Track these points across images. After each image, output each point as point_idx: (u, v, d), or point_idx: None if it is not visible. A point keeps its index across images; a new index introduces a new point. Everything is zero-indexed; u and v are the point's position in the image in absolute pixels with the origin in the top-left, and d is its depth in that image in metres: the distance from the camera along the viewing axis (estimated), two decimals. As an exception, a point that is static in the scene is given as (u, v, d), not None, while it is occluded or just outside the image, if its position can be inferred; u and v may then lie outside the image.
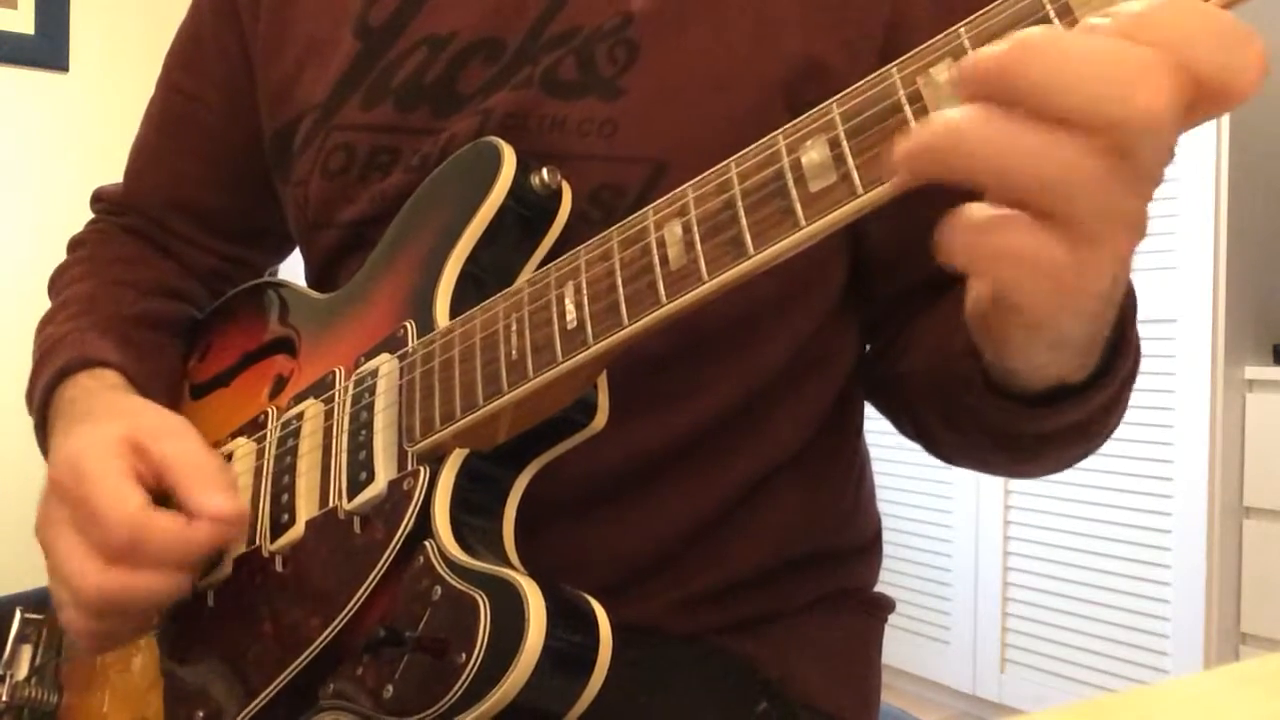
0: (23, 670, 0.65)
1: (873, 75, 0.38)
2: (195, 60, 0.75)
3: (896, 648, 2.45)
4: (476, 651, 0.42)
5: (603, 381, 0.52)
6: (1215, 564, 1.88)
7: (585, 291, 0.46)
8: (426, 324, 0.55)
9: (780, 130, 0.41)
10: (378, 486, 0.51)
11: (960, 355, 0.49)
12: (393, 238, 0.61)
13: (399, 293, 0.58)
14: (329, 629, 0.49)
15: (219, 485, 0.53)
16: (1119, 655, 2.04)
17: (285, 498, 0.55)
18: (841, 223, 0.38)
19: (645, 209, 0.46)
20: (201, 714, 0.54)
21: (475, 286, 0.55)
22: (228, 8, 0.72)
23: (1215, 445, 1.87)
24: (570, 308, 0.47)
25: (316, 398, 0.58)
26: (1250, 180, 1.89)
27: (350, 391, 0.56)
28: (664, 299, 0.43)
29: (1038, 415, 0.48)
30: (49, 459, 0.58)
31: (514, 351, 0.48)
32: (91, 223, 0.81)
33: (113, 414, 0.58)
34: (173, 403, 0.68)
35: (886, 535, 0.73)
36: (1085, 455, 0.55)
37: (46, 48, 2.38)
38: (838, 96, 0.39)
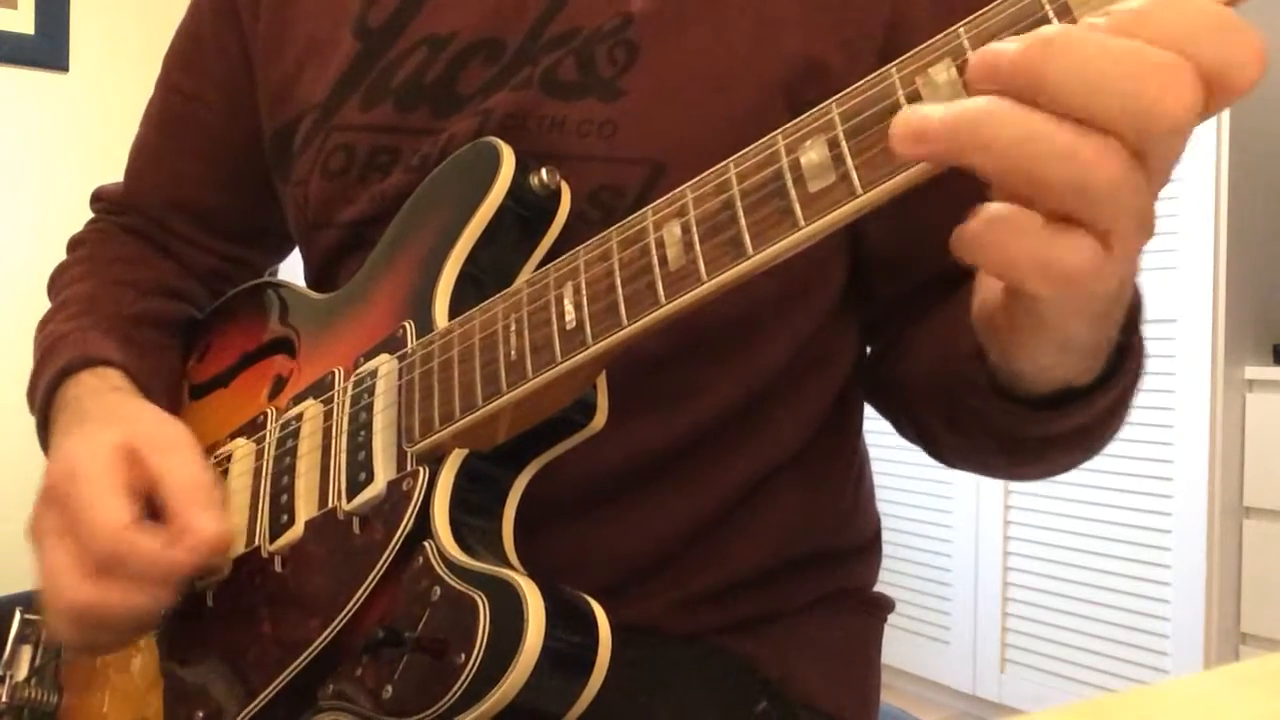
0: (23, 670, 0.65)
1: (872, 75, 0.38)
2: (195, 60, 0.75)
3: (896, 648, 2.45)
4: (476, 652, 0.42)
5: (602, 382, 0.52)
6: (1215, 564, 1.88)
7: (584, 292, 0.46)
8: (425, 324, 0.55)
9: (779, 130, 0.41)
10: (377, 487, 0.51)
11: (966, 357, 0.49)
12: (392, 238, 0.61)
13: (398, 293, 0.58)
14: (328, 629, 0.49)
15: (207, 506, 0.52)
16: (1119, 655, 2.04)
17: (284, 498, 0.55)
18: (840, 223, 0.38)
19: (644, 209, 0.46)
20: (201, 714, 0.54)
21: (474, 287, 0.55)
22: (227, 7, 0.72)
23: (1215, 445, 1.87)
24: (569, 308, 0.47)
25: (316, 398, 0.58)
26: (1250, 180, 1.89)
27: (349, 392, 0.56)
28: (663, 299, 0.43)
29: (1044, 418, 0.48)
30: (49, 459, 0.58)
31: (513, 352, 0.48)
32: (91, 222, 0.81)
33: (112, 419, 0.58)
34: (173, 402, 0.68)
35: (886, 535, 0.73)
36: (1088, 458, 0.55)
37: (46, 48, 2.38)
38: (837, 97, 0.39)
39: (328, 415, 0.57)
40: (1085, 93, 0.30)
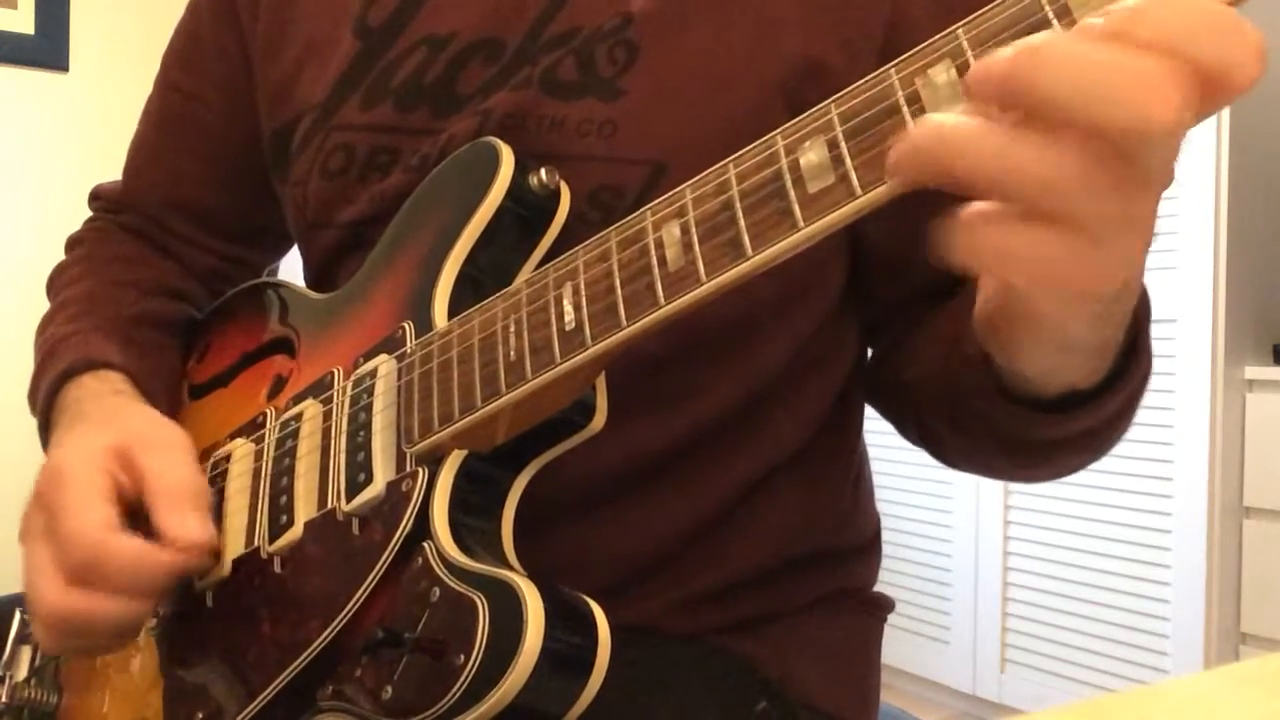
0: (22, 671, 0.65)
1: (871, 76, 0.38)
2: (194, 59, 0.75)
3: (896, 648, 2.45)
4: (475, 653, 0.42)
5: (601, 382, 0.52)
6: (1215, 564, 1.88)
7: (583, 292, 0.46)
8: (425, 325, 0.55)
9: (779, 131, 0.41)
10: (376, 488, 0.51)
11: (969, 359, 0.49)
12: (391, 238, 0.61)
13: (397, 293, 0.58)
14: (328, 630, 0.49)
15: (192, 509, 0.52)
16: (1119, 655, 2.04)
17: (284, 499, 0.55)
18: (840, 224, 0.38)
19: (643, 209, 0.45)
20: (201, 715, 0.54)
21: (473, 287, 0.55)
22: (227, 7, 0.72)
23: (1215, 445, 1.87)
24: (568, 309, 0.46)
25: (315, 398, 0.58)
26: (1250, 180, 1.89)
27: (349, 392, 0.56)
28: (662, 300, 0.43)
29: (1049, 421, 0.48)
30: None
31: (512, 353, 0.48)
32: (89, 221, 0.81)
33: (108, 421, 0.58)
34: (173, 403, 0.68)
35: (886, 535, 0.73)
36: (1092, 461, 0.55)
37: (46, 48, 2.38)
38: (835, 97, 0.39)
39: (327, 415, 0.57)
40: (1070, 101, 0.30)
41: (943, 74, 0.36)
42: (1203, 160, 1.87)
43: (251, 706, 0.52)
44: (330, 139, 0.64)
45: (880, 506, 0.73)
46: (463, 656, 0.43)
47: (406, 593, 0.47)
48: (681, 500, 0.61)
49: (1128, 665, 2.02)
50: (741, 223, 0.41)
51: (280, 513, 0.55)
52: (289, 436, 0.58)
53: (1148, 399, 0.50)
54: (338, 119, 0.64)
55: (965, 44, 0.36)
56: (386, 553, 0.49)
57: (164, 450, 0.54)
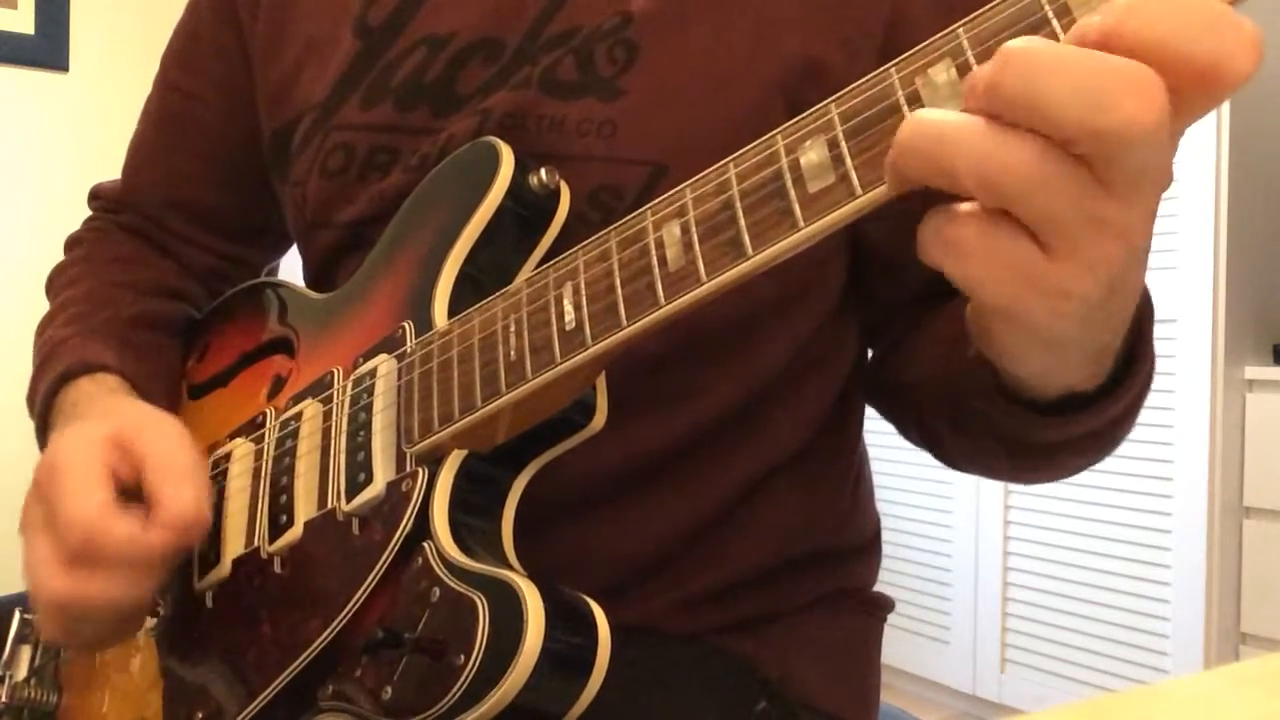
0: (22, 670, 0.65)
1: (871, 75, 0.38)
2: (193, 59, 0.75)
3: (896, 648, 2.45)
4: (475, 653, 0.42)
5: (601, 382, 0.52)
6: (1215, 564, 1.88)
7: (584, 292, 0.46)
8: (425, 324, 0.55)
9: (779, 130, 0.41)
10: (376, 488, 0.51)
11: (970, 360, 0.49)
12: (391, 238, 0.61)
13: (397, 293, 0.58)
14: (328, 630, 0.49)
15: (187, 485, 0.52)
16: (1119, 655, 2.04)
17: (283, 499, 0.55)
18: (840, 224, 0.38)
19: (644, 209, 0.45)
20: (201, 715, 0.54)
21: (473, 287, 0.55)
22: (226, 7, 0.72)
23: (1215, 445, 1.87)
24: (569, 308, 0.46)
25: (315, 398, 0.58)
26: (1250, 180, 1.89)
27: (349, 392, 0.56)
28: (662, 300, 0.43)
29: (1049, 424, 0.48)
30: None
31: (512, 352, 0.48)
32: (89, 220, 0.81)
33: (105, 415, 0.58)
34: (172, 403, 0.68)
35: (886, 535, 0.73)
36: (1093, 464, 0.55)
37: (46, 48, 2.38)
38: (836, 97, 0.39)
39: (327, 415, 0.57)
40: (1036, 107, 0.31)
41: (942, 73, 0.36)
42: (1203, 160, 1.87)
43: (252, 706, 0.52)
44: (330, 139, 0.64)
45: (880, 506, 0.73)
46: (463, 656, 0.43)
47: (407, 593, 0.47)
48: (681, 500, 0.61)
49: (1128, 665, 2.02)
50: (742, 222, 0.41)
51: (280, 513, 0.55)
52: (289, 436, 0.58)
53: (1148, 399, 0.50)
54: (337, 119, 0.64)
55: (965, 43, 0.35)
56: (386, 553, 0.49)
57: (161, 435, 0.54)
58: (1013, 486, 2.21)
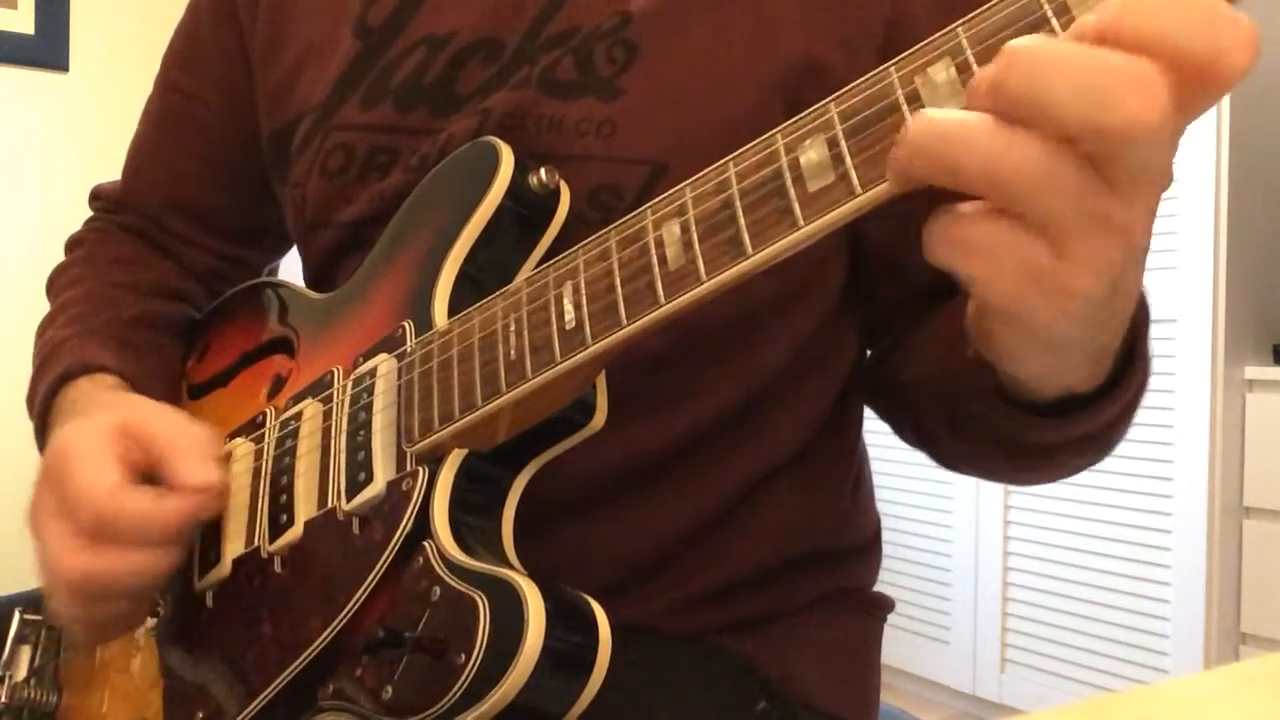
0: (22, 671, 0.65)
1: (870, 75, 0.38)
2: (193, 59, 0.75)
3: (896, 648, 2.45)
4: (476, 652, 0.42)
5: (601, 382, 0.52)
6: (1215, 564, 1.88)
7: (584, 291, 0.46)
8: (425, 324, 0.55)
9: (778, 130, 0.41)
10: (376, 487, 0.51)
11: (968, 361, 0.49)
12: (391, 237, 0.61)
13: (397, 293, 0.58)
14: (328, 630, 0.49)
15: (199, 455, 0.52)
16: (1119, 655, 2.04)
17: (284, 498, 0.55)
18: (840, 223, 0.38)
19: (643, 208, 0.45)
20: (201, 715, 0.54)
21: (473, 286, 0.55)
22: (226, 8, 0.72)
23: (1215, 445, 1.87)
24: (569, 308, 0.46)
25: (315, 398, 0.58)
26: (1250, 180, 1.89)
27: (349, 392, 0.56)
28: (662, 299, 0.43)
29: (1047, 425, 0.48)
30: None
31: (512, 352, 0.48)
32: (89, 221, 0.81)
33: (109, 407, 0.58)
34: (172, 403, 0.68)
35: (886, 535, 0.73)
36: (1091, 465, 0.55)
37: (46, 48, 2.38)
38: (835, 96, 0.39)
39: (327, 415, 0.57)
40: (1039, 105, 0.31)
41: (942, 72, 0.36)
42: (1203, 160, 1.87)
43: (252, 706, 0.52)
44: (330, 139, 0.64)
45: (880, 506, 0.73)
46: (463, 655, 0.43)
47: (407, 592, 0.47)
48: (681, 500, 0.61)
49: (1128, 665, 2.02)
50: (741, 221, 0.41)
51: (280, 512, 0.55)
52: (289, 436, 0.58)
53: (1147, 399, 0.50)
54: (337, 119, 0.64)
55: (965, 42, 0.36)
56: (387, 552, 0.49)
57: (168, 418, 0.55)
58: (1013, 487, 2.21)
